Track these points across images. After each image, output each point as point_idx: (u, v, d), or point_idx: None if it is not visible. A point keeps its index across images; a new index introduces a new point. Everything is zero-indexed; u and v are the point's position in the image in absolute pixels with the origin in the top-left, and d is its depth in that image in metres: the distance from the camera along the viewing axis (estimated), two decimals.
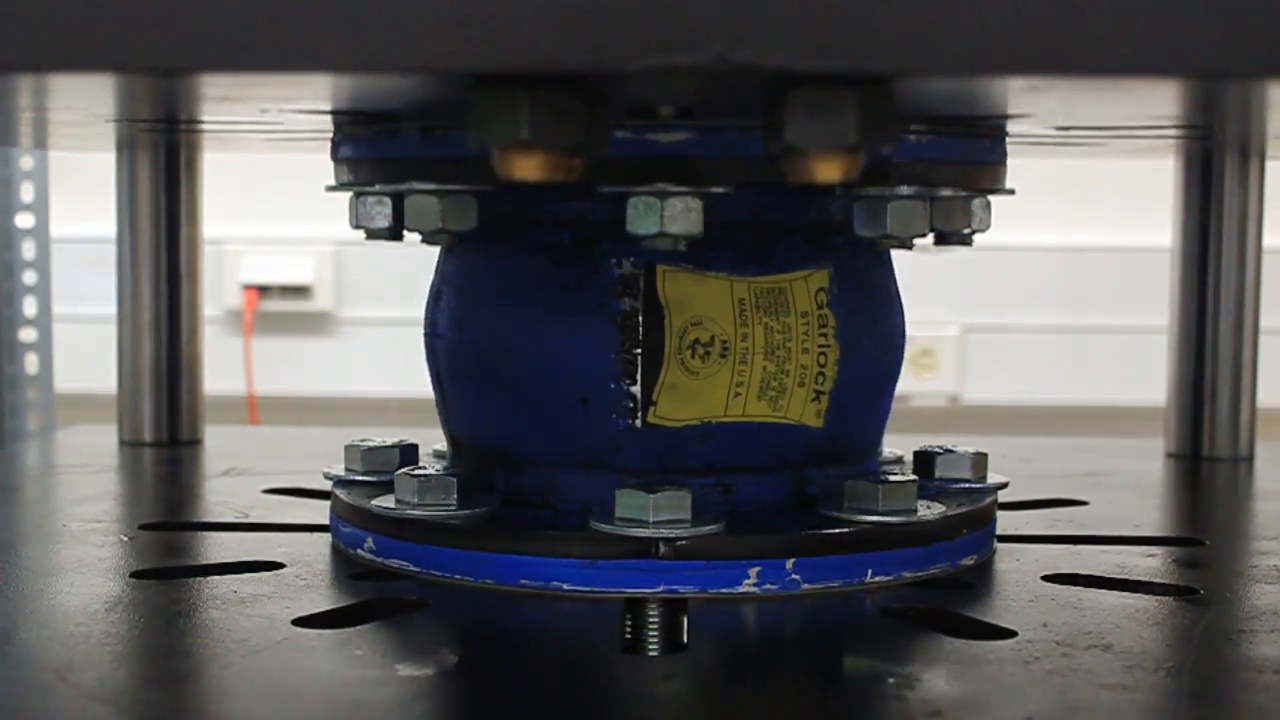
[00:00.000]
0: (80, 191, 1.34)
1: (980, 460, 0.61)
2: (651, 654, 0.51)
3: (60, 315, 1.29)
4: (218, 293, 1.66)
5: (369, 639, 0.48)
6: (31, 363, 1.23)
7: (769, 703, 0.43)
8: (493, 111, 0.38)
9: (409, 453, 0.62)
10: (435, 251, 0.61)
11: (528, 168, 0.39)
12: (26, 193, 1.24)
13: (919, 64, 0.35)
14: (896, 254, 0.61)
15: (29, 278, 1.23)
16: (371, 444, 0.61)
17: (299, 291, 1.70)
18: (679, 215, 0.50)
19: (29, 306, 1.24)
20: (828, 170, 0.38)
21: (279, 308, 1.71)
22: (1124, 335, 1.68)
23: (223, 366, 1.59)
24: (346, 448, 0.61)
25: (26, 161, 1.32)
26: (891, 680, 0.44)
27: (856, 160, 0.39)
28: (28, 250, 1.24)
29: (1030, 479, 0.73)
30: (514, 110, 0.38)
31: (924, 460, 0.61)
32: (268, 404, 1.68)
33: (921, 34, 0.35)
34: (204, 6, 0.35)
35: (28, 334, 1.24)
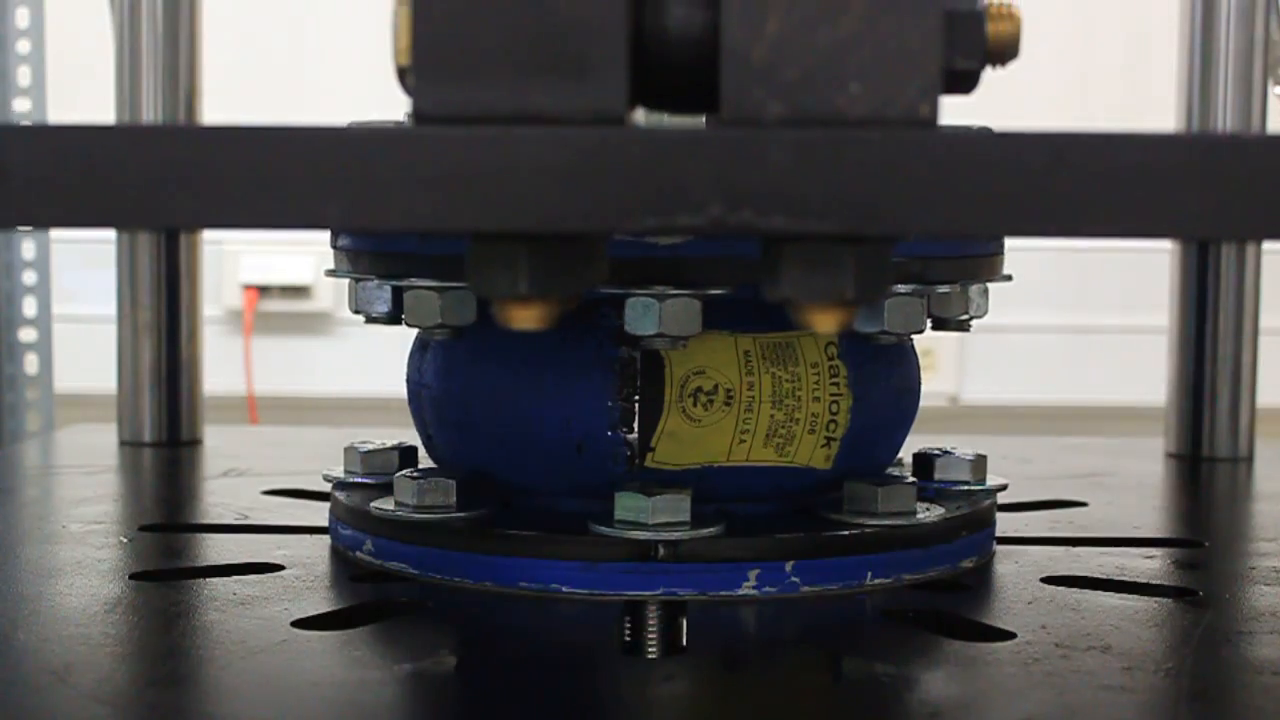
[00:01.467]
0: None
1: (979, 462, 0.61)
2: (650, 656, 0.50)
3: (60, 315, 1.29)
4: (218, 293, 1.66)
5: (368, 641, 0.48)
6: (31, 363, 1.23)
7: (768, 705, 0.43)
8: (491, 265, 0.38)
9: (408, 455, 0.62)
10: None
11: (527, 319, 0.39)
12: None
13: (915, 226, 0.36)
14: None
15: (29, 278, 1.23)
16: (371, 446, 0.61)
17: (299, 291, 1.70)
18: (678, 315, 0.50)
19: (29, 306, 1.23)
20: (824, 321, 0.38)
21: (279, 308, 1.71)
22: (1124, 335, 1.68)
23: (223, 366, 1.59)
24: (346, 450, 0.61)
25: None
26: (891, 682, 0.44)
27: (853, 312, 0.38)
28: (28, 250, 1.23)
29: (1030, 480, 0.73)
30: (512, 265, 0.38)
31: (923, 462, 0.61)
32: (268, 404, 1.68)
33: (917, 199, 0.35)
34: (205, 167, 0.35)
35: (28, 334, 1.23)
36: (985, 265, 0.57)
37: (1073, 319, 1.70)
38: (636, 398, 0.54)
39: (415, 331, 0.60)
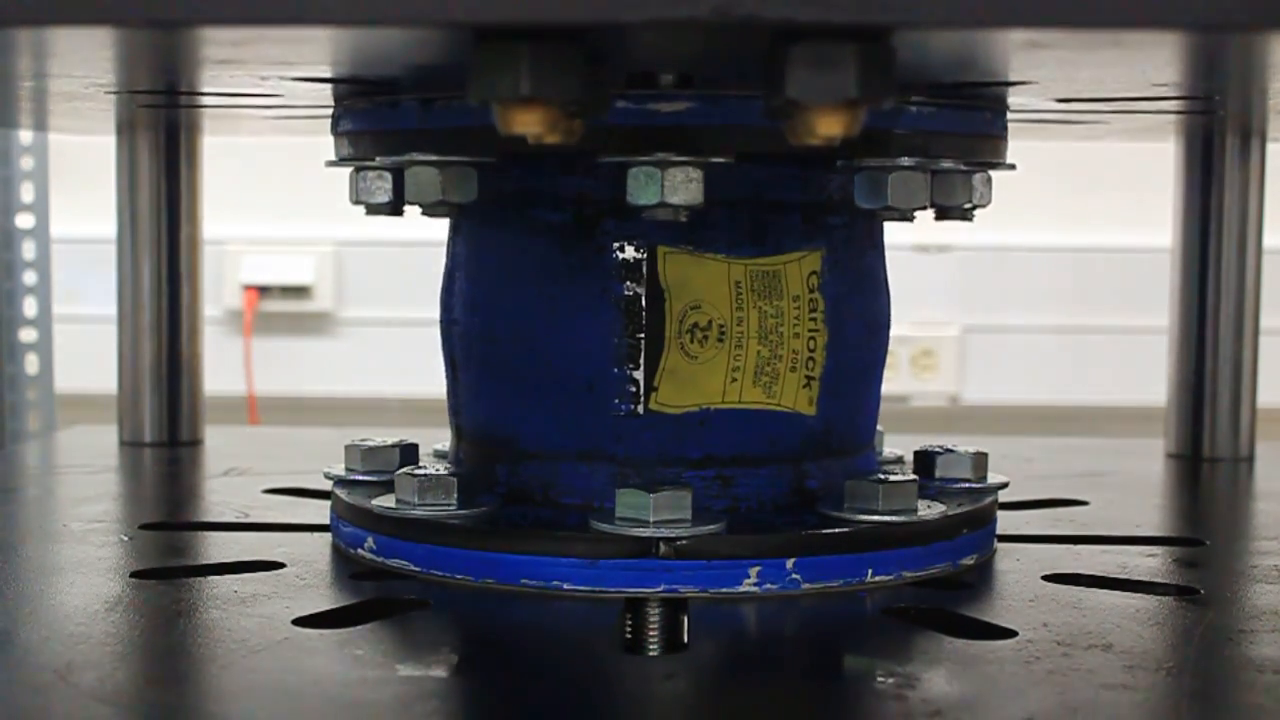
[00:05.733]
0: (80, 192, 1.34)
1: (980, 460, 0.61)
2: (652, 654, 0.51)
3: (60, 315, 1.29)
4: (218, 293, 1.66)
5: (369, 639, 0.48)
6: (31, 363, 1.23)
7: (769, 703, 0.43)
8: (493, 67, 0.38)
9: (409, 452, 0.62)
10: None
11: (528, 122, 0.39)
12: (26, 193, 1.24)
13: (919, 15, 0.35)
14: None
15: (29, 278, 1.23)
16: (372, 444, 0.61)
17: (299, 291, 1.70)
18: (679, 185, 0.50)
19: (29, 306, 1.23)
20: (828, 125, 0.38)
21: (279, 308, 1.71)
22: (1124, 335, 1.68)
23: (223, 366, 1.59)
24: (347, 447, 0.61)
25: (27, 161, 1.32)
26: (892, 680, 0.44)
27: (857, 115, 0.38)
28: (28, 250, 1.24)
29: (1030, 479, 0.73)
30: (514, 65, 0.38)
31: (924, 460, 0.61)
32: (268, 404, 1.68)
33: None
34: None
35: (28, 334, 1.24)
36: (988, 146, 0.57)
37: (1073, 319, 1.70)
38: (641, 335, 0.54)
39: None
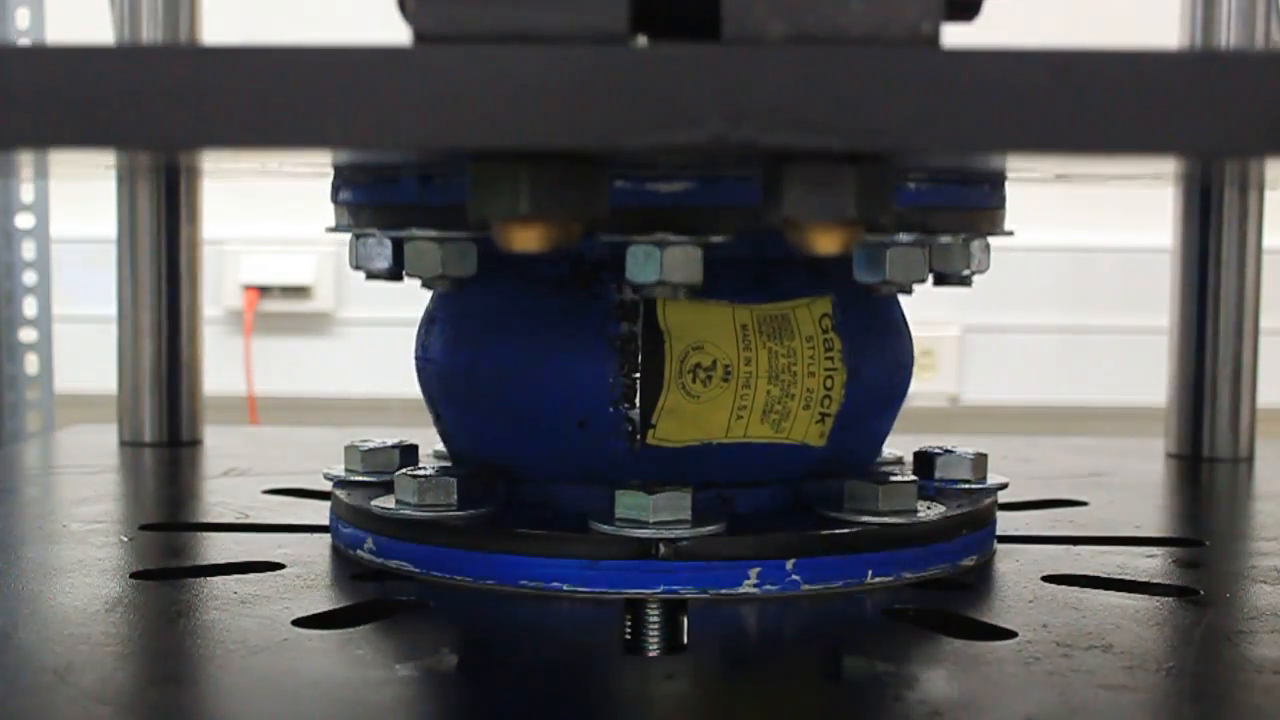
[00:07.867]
0: (80, 192, 1.34)
1: (980, 461, 0.61)
2: (651, 655, 0.51)
3: (60, 315, 1.29)
4: (218, 293, 1.66)
5: (369, 639, 0.48)
6: (31, 363, 1.23)
7: (769, 703, 0.43)
8: (491, 186, 0.38)
9: (409, 453, 0.62)
10: None
11: (528, 239, 0.39)
12: (26, 193, 1.24)
13: (917, 143, 0.35)
14: None
15: (29, 278, 1.23)
16: (371, 445, 0.61)
17: (299, 291, 1.70)
18: (679, 263, 0.50)
19: (29, 306, 1.23)
20: (826, 242, 0.38)
21: (279, 308, 1.71)
22: (1124, 335, 1.68)
23: (223, 366, 1.59)
24: (346, 448, 0.61)
25: None
26: (891, 681, 0.44)
27: (856, 232, 0.38)
28: (28, 250, 1.23)
29: (1030, 479, 0.73)
30: (513, 185, 0.38)
31: (924, 461, 0.61)
32: (268, 404, 1.68)
33: (919, 113, 0.35)
34: (206, 87, 0.35)
35: (28, 334, 1.23)
36: (987, 218, 0.57)
37: (1073, 319, 1.70)
38: (637, 375, 0.54)
39: (414, 329, 0.60)
